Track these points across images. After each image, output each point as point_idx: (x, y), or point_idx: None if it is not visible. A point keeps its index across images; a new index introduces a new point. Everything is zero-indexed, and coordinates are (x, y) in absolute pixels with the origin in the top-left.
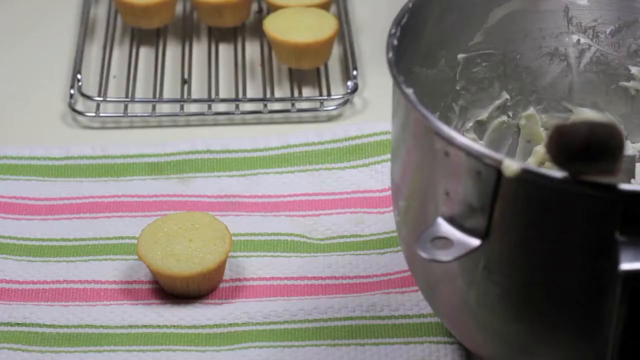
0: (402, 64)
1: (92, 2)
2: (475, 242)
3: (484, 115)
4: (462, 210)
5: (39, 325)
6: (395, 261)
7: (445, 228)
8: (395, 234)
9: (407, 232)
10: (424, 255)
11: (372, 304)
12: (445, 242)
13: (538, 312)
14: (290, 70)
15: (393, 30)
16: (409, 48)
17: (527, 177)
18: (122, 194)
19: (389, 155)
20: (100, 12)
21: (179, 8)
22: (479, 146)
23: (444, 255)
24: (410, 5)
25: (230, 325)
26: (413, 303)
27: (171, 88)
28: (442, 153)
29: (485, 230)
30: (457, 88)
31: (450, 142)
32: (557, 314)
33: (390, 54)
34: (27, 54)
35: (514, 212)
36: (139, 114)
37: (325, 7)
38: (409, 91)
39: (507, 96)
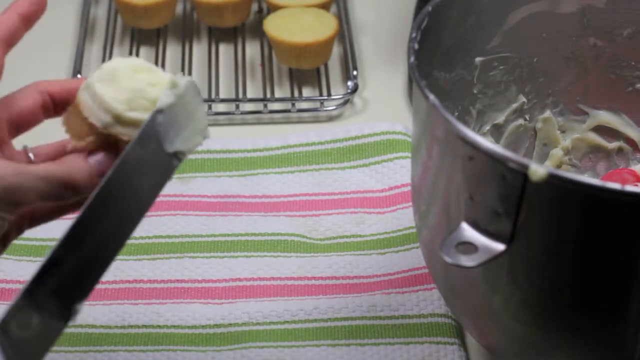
0: (420, 68)
1: (92, 2)
2: (499, 247)
3: (500, 118)
4: (487, 214)
5: None
6: (396, 261)
7: (469, 233)
8: (395, 234)
9: (428, 235)
10: (448, 260)
11: (373, 304)
12: (470, 247)
13: (562, 317)
14: (290, 70)
15: (414, 34)
16: (427, 52)
17: (554, 181)
18: None
19: (389, 155)
20: (100, 12)
21: (179, 8)
22: (504, 150)
23: (469, 261)
24: (430, 8)
25: (230, 325)
26: (413, 303)
27: None
28: (466, 157)
29: (510, 235)
30: (475, 91)
31: (475, 146)
32: (581, 320)
33: (412, 58)
34: (27, 53)
35: (539, 217)
36: None
37: (325, 7)
38: (432, 96)
39: (524, 99)
